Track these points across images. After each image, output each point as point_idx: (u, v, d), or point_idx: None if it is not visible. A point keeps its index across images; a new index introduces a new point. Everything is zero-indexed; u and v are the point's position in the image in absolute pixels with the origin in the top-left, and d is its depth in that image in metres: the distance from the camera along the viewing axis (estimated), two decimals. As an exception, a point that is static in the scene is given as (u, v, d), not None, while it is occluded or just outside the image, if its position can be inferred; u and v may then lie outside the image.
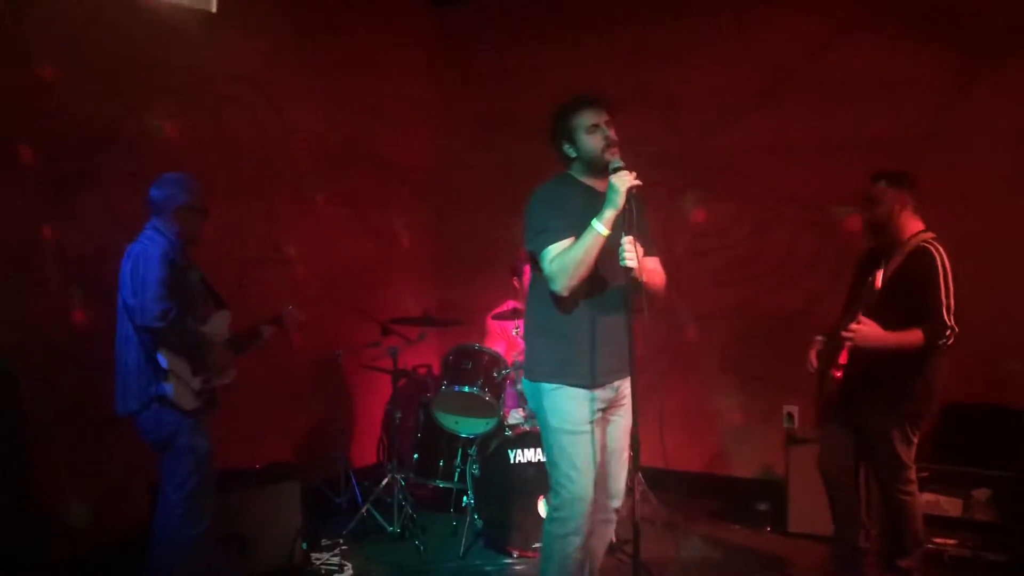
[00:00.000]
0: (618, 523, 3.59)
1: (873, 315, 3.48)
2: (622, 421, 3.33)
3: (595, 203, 3.06)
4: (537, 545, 4.24)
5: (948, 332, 3.40)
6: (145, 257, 3.30)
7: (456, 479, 5.04)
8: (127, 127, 4.32)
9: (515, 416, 4.94)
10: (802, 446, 4.65)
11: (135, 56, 4.35)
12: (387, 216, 6.24)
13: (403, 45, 6.42)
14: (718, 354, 5.62)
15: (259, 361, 4.37)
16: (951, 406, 4.57)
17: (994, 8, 4.78)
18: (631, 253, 2.98)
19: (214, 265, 4.05)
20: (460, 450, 5.05)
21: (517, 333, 4.91)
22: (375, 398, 5.75)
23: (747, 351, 5.51)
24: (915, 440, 3.64)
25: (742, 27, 5.50)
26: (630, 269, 2.99)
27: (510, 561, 4.46)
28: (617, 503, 3.40)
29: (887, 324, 3.45)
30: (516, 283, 5.27)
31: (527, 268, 3.46)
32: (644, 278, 3.08)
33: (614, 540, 4.26)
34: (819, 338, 3.90)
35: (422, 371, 5.79)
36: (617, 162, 3.06)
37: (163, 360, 3.31)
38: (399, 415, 5.05)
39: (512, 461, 4.53)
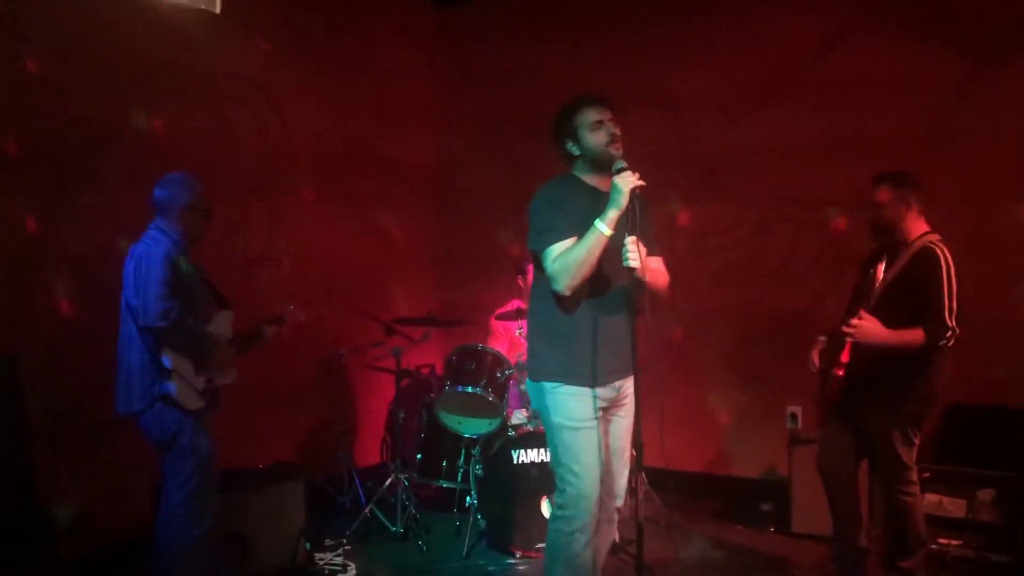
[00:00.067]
0: (621, 523, 3.59)
1: (876, 314, 3.49)
2: (624, 421, 3.33)
3: (598, 203, 3.06)
4: (540, 545, 4.25)
5: (949, 333, 3.40)
6: (148, 257, 3.30)
7: (459, 479, 5.04)
8: (129, 127, 4.32)
9: (518, 416, 4.94)
10: (805, 446, 4.65)
11: (138, 56, 4.36)
12: (389, 216, 6.24)
13: (405, 46, 6.43)
14: (721, 354, 5.62)
15: (262, 361, 4.39)
16: (956, 407, 4.58)
17: (995, 8, 4.78)
18: (634, 253, 2.98)
19: (217, 265, 4.06)
20: (463, 450, 5.06)
21: (520, 334, 4.91)
22: (378, 398, 5.76)
23: (750, 351, 5.51)
24: (916, 441, 3.64)
25: (743, 28, 5.50)
26: (633, 269, 2.99)
27: (513, 561, 4.46)
28: (619, 502, 3.40)
29: (890, 323, 3.46)
30: (520, 282, 5.27)
31: (531, 267, 3.46)
32: (647, 278, 3.08)
33: (617, 540, 4.25)
34: (822, 338, 3.91)
35: (425, 371, 5.79)
36: (620, 163, 3.06)
37: (167, 360, 3.32)
38: (402, 415, 5.05)
39: (515, 461, 4.53)
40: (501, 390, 4.87)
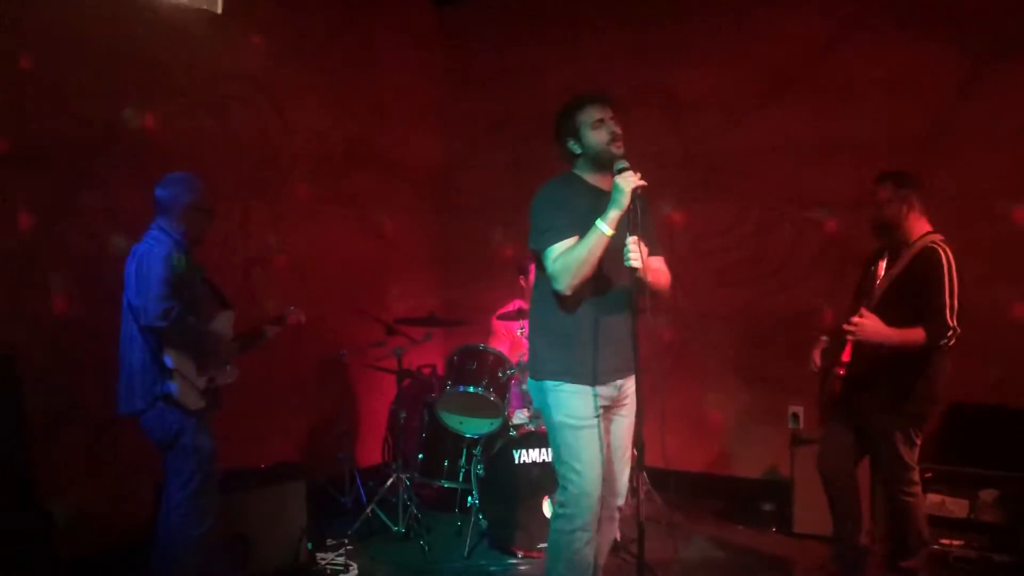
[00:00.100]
0: (622, 522, 3.59)
1: (877, 313, 3.49)
2: (625, 420, 3.33)
3: (599, 202, 3.06)
4: (542, 545, 4.25)
5: (950, 333, 3.39)
6: (149, 257, 3.30)
7: (461, 479, 5.04)
8: (130, 127, 4.33)
9: (520, 416, 4.94)
10: (807, 447, 4.64)
11: (139, 56, 4.36)
12: (391, 216, 6.24)
13: (406, 45, 6.43)
14: (722, 354, 5.62)
15: (264, 361, 4.38)
16: (958, 407, 4.57)
17: (997, 8, 4.78)
18: (635, 254, 2.98)
19: (218, 265, 4.06)
20: (465, 450, 5.05)
21: (522, 333, 4.91)
22: (380, 398, 5.76)
23: (752, 351, 5.51)
24: (918, 441, 3.64)
25: (744, 27, 5.50)
26: (634, 269, 2.99)
27: (515, 561, 4.46)
28: (620, 501, 3.41)
29: (891, 323, 3.45)
30: (522, 282, 5.27)
31: (533, 267, 3.46)
32: (649, 278, 3.08)
33: (618, 539, 4.25)
34: (824, 337, 3.90)
35: (427, 371, 5.79)
36: (622, 163, 3.06)
37: (168, 359, 3.32)
38: (404, 415, 5.05)
39: (517, 461, 4.53)
40: (503, 390, 4.87)
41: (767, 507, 5.14)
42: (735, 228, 5.56)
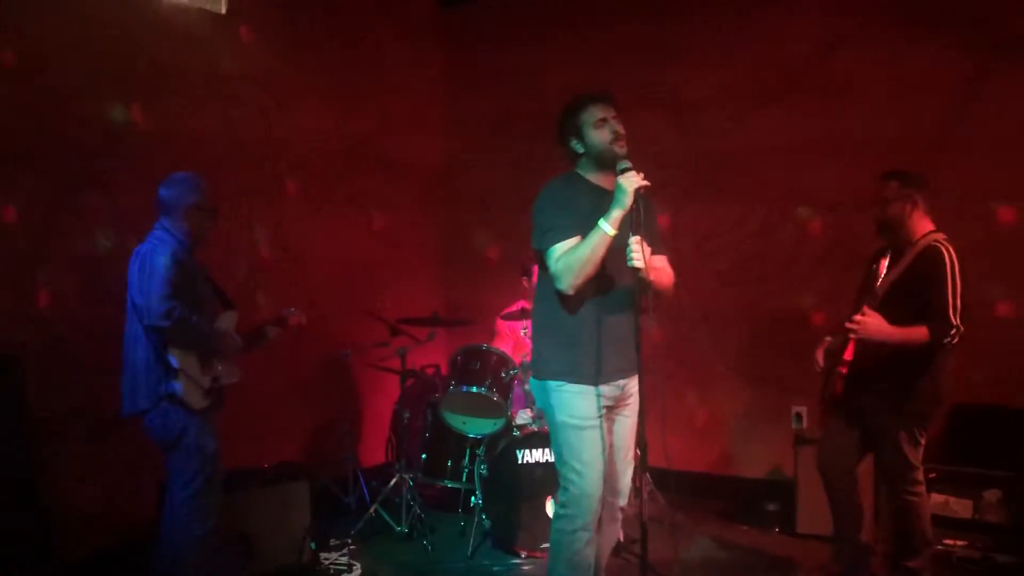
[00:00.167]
0: (625, 522, 3.59)
1: (881, 311, 3.48)
2: (628, 420, 3.33)
3: (602, 202, 3.06)
4: (545, 545, 4.24)
5: (953, 331, 3.39)
6: (152, 257, 3.32)
7: (464, 479, 5.04)
8: (137, 128, 4.34)
9: (523, 416, 4.94)
10: (811, 447, 4.62)
11: (143, 56, 4.37)
12: (395, 216, 6.25)
13: (409, 45, 6.43)
14: (726, 354, 5.61)
15: (267, 361, 4.39)
16: (962, 407, 4.56)
17: (1004, 7, 4.76)
18: (638, 253, 2.98)
19: (221, 265, 4.06)
20: (468, 450, 5.05)
21: (525, 334, 4.91)
22: (383, 398, 5.77)
23: (755, 351, 5.50)
24: (922, 441, 3.63)
25: (748, 27, 5.49)
26: (637, 269, 2.99)
27: (518, 561, 4.46)
28: (622, 501, 3.41)
29: (894, 321, 3.45)
30: (525, 283, 5.27)
31: (536, 268, 3.46)
32: (651, 277, 3.08)
33: (621, 539, 4.26)
34: (827, 337, 3.89)
35: (430, 371, 5.80)
36: (625, 163, 3.06)
37: (173, 359, 3.33)
38: (407, 415, 5.05)
39: (520, 461, 4.53)
40: (506, 390, 4.87)
41: (770, 507, 5.13)
42: (738, 228, 5.55)
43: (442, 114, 6.76)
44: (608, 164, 3.16)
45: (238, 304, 3.81)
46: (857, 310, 3.57)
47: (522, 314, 5.10)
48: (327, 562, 4.40)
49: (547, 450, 4.49)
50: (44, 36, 3.94)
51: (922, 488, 3.67)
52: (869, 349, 3.56)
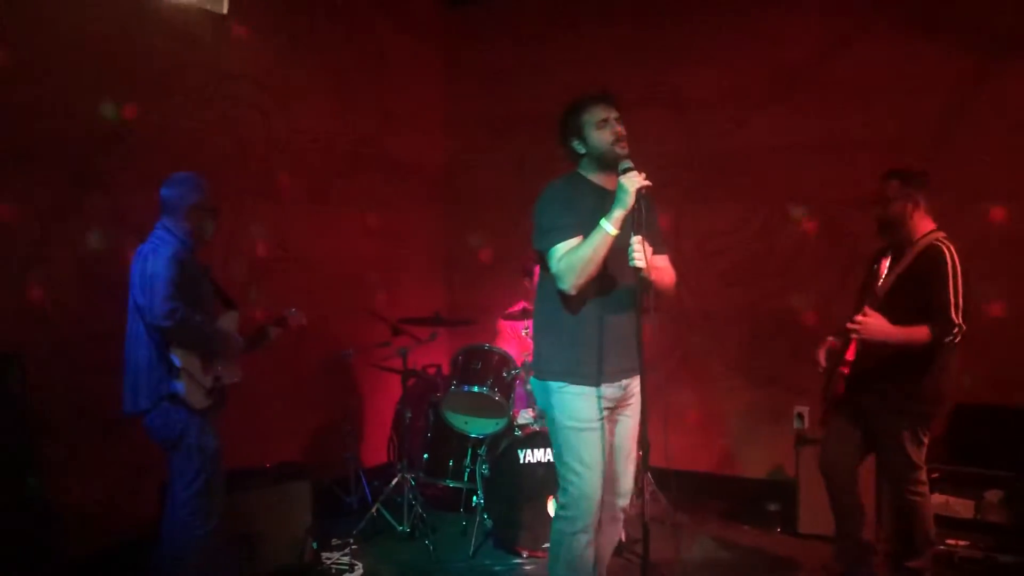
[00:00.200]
0: (627, 522, 3.59)
1: (882, 311, 3.48)
2: (630, 420, 3.33)
3: (604, 202, 3.06)
4: (547, 545, 4.22)
5: (955, 330, 3.39)
6: (155, 257, 3.31)
7: (466, 479, 5.04)
8: (139, 127, 4.34)
9: (525, 416, 4.94)
10: (813, 447, 4.63)
11: (146, 57, 4.37)
12: (398, 216, 6.25)
13: (412, 45, 6.43)
14: (727, 354, 5.61)
15: (269, 361, 4.39)
16: (964, 407, 4.55)
17: (1006, 7, 4.76)
18: (640, 253, 2.98)
19: (223, 265, 4.06)
20: (470, 450, 5.06)
21: (527, 333, 4.91)
22: (385, 398, 5.77)
23: (757, 351, 5.50)
24: (925, 440, 3.63)
25: (751, 27, 5.49)
26: (639, 269, 2.99)
27: (520, 561, 4.46)
28: (624, 502, 3.40)
29: (896, 321, 3.44)
30: (527, 284, 5.27)
31: (537, 269, 3.46)
32: (653, 277, 3.08)
33: (622, 539, 4.26)
34: (829, 337, 3.89)
35: (432, 371, 5.80)
36: (627, 163, 3.06)
37: (176, 358, 3.33)
38: (409, 415, 5.05)
39: (522, 461, 4.53)
40: (508, 390, 4.87)
41: (772, 507, 5.13)
42: (740, 228, 5.55)
43: (444, 114, 6.76)
44: (610, 165, 3.16)
45: (239, 304, 3.81)
46: (858, 310, 3.57)
47: (523, 314, 5.10)
48: (329, 562, 4.40)
49: (549, 450, 4.49)
50: (45, 36, 3.93)
51: (925, 488, 3.66)
52: (871, 349, 3.56)
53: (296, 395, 5.30)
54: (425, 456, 5.15)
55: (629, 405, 3.32)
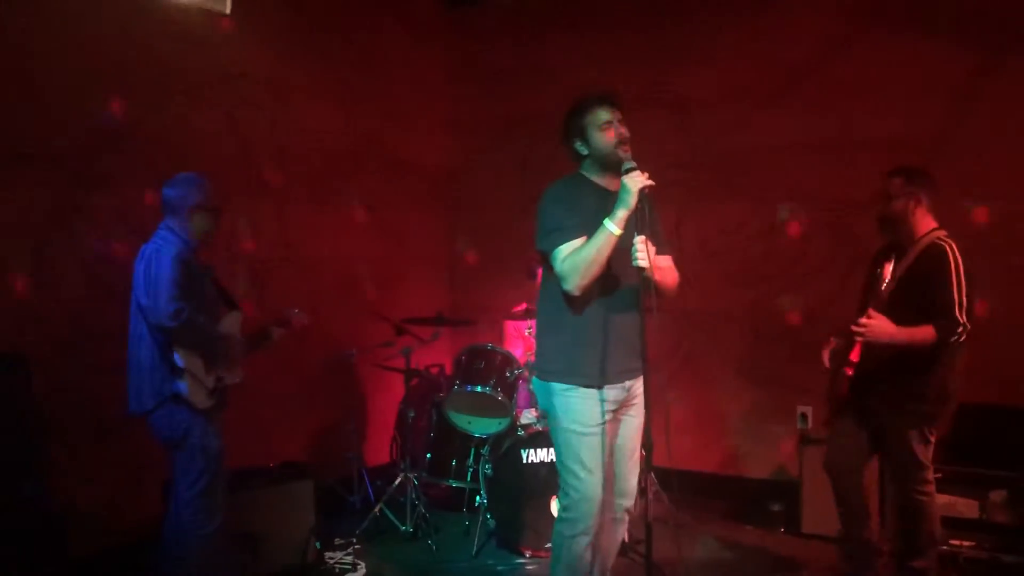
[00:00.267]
0: (630, 523, 3.58)
1: (886, 312, 3.47)
2: (634, 421, 3.32)
3: (607, 202, 3.06)
4: (549, 545, 4.24)
5: (960, 329, 3.37)
6: (158, 257, 3.32)
7: (469, 479, 5.04)
8: (141, 127, 4.34)
9: (528, 416, 4.95)
10: (816, 446, 4.62)
11: (148, 56, 4.38)
12: (401, 216, 6.25)
13: (415, 45, 6.43)
14: (731, 354, 5.60)
15: (273, 361, 4.39)
16: (968, 407, 4.52)
17: (1009, 6, 4.75)
18: (643, 253, 2.98)
19: (226, 265, 4.06)
20: (473, 450, 5.06)
21: (530, 333, 4.91)
22: (388, 397, 5.77)
23: (760, 351, 5.49)
24: (932, 439, 3.62)
25: (753, 27, 5.48)
26: (642, 269, 2.99)
27: (522, 561, 4.46)
28: (628, 502, 3.40)
29: (900, 321, 3.43)
30: (530, 284, 5.27)
31: (540, 269, 3.46)
32: (656, 277, 3.08)
33: (626, 540, 4.26)
34: (833, 339, 3.88)
35: (435, 371, 5.80)
36: (630, 163, 3.06)
37: (179, 359, 3.33)
38: (412, 414, 5.06)
39: (525, 461, 4.53)
40: (511, 390, 4.87)
41: (775, 507, 5.12)
42: (743, 228, 5.55)
43: (447, 114, 6.76)
44: (612, 166, 3.16)
45: (242, 304, 3.81)
46: (861, 312, 3.56)
47: (526, 314, 5.10)
48: (332, 561, 4.40)
49: (551, 450, 4.47)
50: (47, 35, 3.94)
51: (932, 488, 3.65)
52: (875, 350, 3.55)
53: (299, 395, 5.30)
54: (428, 456, 5.16)
55: (633, 406, 3.31)
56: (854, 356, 3.65)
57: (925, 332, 3.40)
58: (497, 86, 6.53)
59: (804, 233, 5.35)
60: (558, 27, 6.22)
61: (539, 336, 3.40)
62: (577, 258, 3.04)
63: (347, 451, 5.27)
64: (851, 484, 3.81)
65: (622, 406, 3.28)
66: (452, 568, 4.43)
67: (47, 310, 3.95)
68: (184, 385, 3.35)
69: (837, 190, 5.16)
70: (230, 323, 3.65)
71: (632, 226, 3.01)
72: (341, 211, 5.71)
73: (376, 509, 4.84)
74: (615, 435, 3.29)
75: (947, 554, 4.16)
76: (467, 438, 5.05)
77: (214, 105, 4.76)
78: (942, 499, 4.28)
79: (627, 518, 3.47)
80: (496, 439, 4.87)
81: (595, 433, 3.16)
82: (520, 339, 5.39)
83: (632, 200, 2.97)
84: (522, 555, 4.49)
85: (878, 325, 3.44)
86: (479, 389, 4.79)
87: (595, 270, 3.04)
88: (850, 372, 3.67)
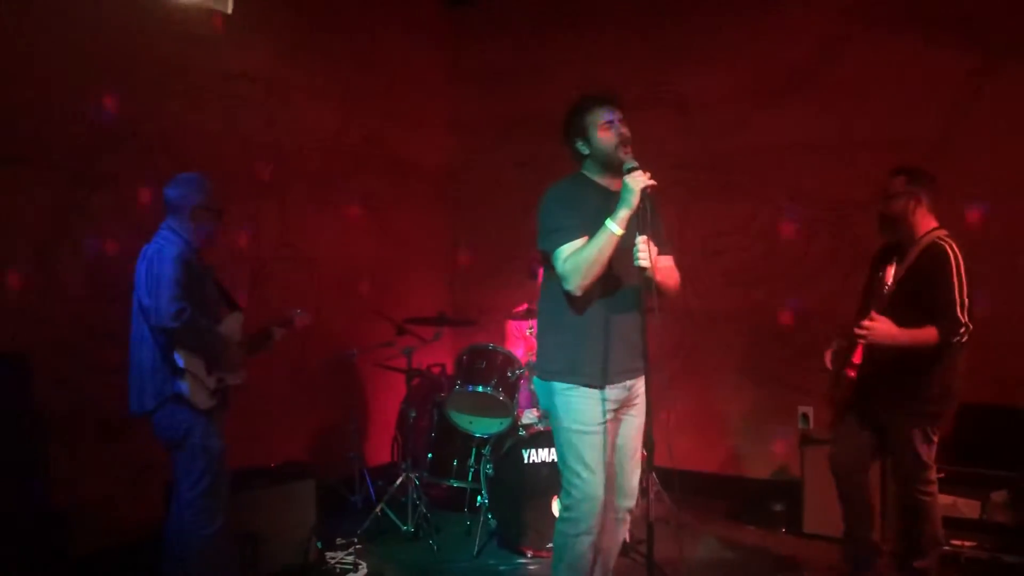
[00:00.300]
0: (632, 523, 3.58)
1: (888, 313, 3.46)
2: (635, 420, 3.32)
3: (609, 203, 3.06)
4: (551, 545, 4.23)
5: (963, 329, 3.37)
6: (160, 257, 3.31)
7: (470, 479, 5.04)
8: (143, 127, 4.35)
9: (529, 416, 4.94)
10: (817, 447, 4.62)
11: (151, 57, 4.38)
12: (402, 216, 6.25)
13: (416, 45, 6.43)
14: (732, 354, 5.60)
15: (274, 360, 4.40)
16: (969, 407, 4.52)
17: (1011, 7, 4.74)
18: (645, 253, 2.97)
19: (228, 265, 4.06)
20: (474, 450, 5.06)
21: (531, 333, 4.91)
22: (390, 397, 5.77)
23: (761, 351, 5.49)
24: (935, 439, 3.61)
25: (754, 27, 5.48)
26: (644, 269, 2.99)
27: (524, 561, 4.46)
28: (630, 502, 3.39)
29: (902, 322, 3.43)
30: (532, 284, 5.27)
31: (541, 269, 3.46)
32: (658, 277, 3.08)
33: (628, 540, 4.26)
34: (836, 340, 3.87)
35: (436, 371, 5.80)
36: (632, 162, 3.06)
37: (180, 359, 3.33)
38: (413, 414, 5.06)
39: (526, 461, 4.53)
40: (512, 390, 4.87)
41: (777, 507, 5.12)
42: (745, 228, 5.55)
43: (448, 114, 6.77)
44: (613, 166, 3.16)
45: (245, 304, 3.81)
46: (863, 313, 3.55)
47: (528, 314, 5.10)
48: (333, 561, 4.40)
49: (553, 450, 4.48)
50: (48, 35, 3.94)
51: (934, 488, 3.65)
52: (878, 351, 3.54)
53: (301, 395, 5.30)
54: (429, 456, 5.16)
55: (634, 405, 3.31)
56: (856, 358, 3.64)
57: (927, 333, 3.40)
58: (498, 86, 6.53)
59: (805, 233, 5.35)
60: (559, 27, 6.22)
61: (540, 336, 3.40)
62: (579, 258, 3.04)
63: (348, 451, 5.28)
64: (857, 484, 3.81)
65: (623, 406, 3.28)
66: (453, 568, 4.43)
67: (48, 310, 3.95)
68: (185, 386, 3.35)
69: (838, 190, 5.16)
70: (232, 324, 3.65)
71: (634, 226, 3.00)
72: (342, 211, 5.71)
73: (377, 509, 4.84)
74: (616, 435, 3.29)
75: (948, 554, 4.16)
76: (468, 438, 5.05)
77: (216, 105, 4.76)
78: (943, 499, 4.28)
79: (628, 518, 3.47)
80: (497, 439, 4.87)
81: (597, 432, 3.16)
82: (521, 339, 5.39)
83: (634, 200, 2.97)
84: (523, 555, 4.49)
85: (881, 328, 3.44)
86: (480, 389, 4.79)
87: (597, 270, 3.03)
88: (853, 374, 3.67)
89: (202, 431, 3.42)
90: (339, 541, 4.63)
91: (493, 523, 4.66)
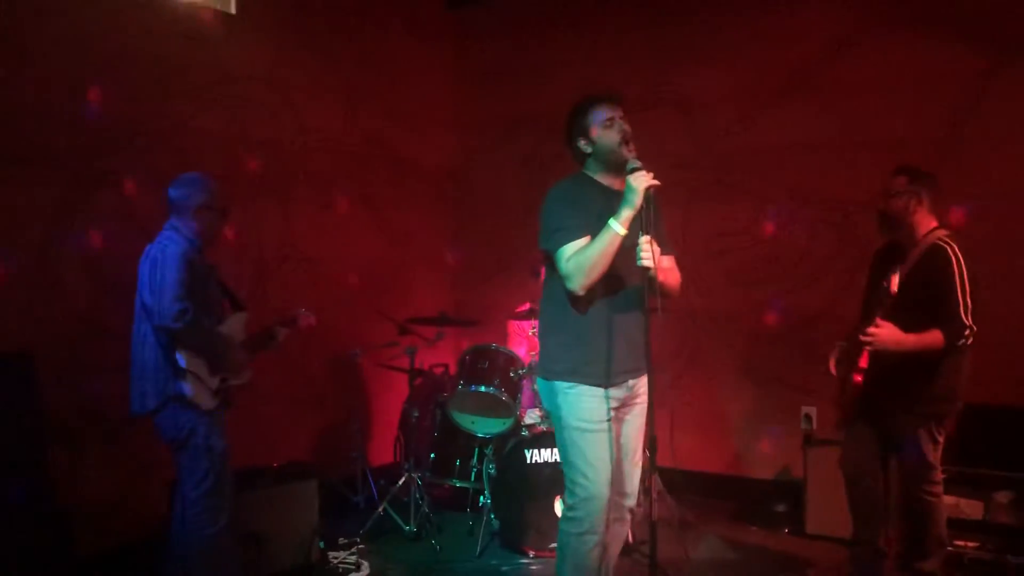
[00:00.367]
0: (634, 523, 3.58)
1: (891, 317, 3.45)
2: (637, 420, 3.32)
3: (611, 202, 3.06)
4: (553, 545, 4.22)
5: (967, 332, 3.36)
6: (163, 257, 3.31)
7: (473, 479, 5.04)
8: (146, 127, 4.35)
9: (532, 416, 4.94)
10: (820, 447, 4.62)
11: (154, 57, 4.38)
12: (404, 216, 6.26)
13: (420, 45, 6.44)
14: (735, 354, 5.60)
15: (277, 360, 4.40)
16: (972, 408, 4.50)
17: (1013, 6, 4.73)
18: (648, 253, 2.97)
19: (231, 265, 4.06)
20: (477, 450, 5.06)
21: (533, 333, 4.91)
22: (392, 397, 5.77)
23: (764, 351, 5.48)
24: (941, 440, 3.61)
25: (756, 26, 5.47)
26: (647, 269, 2.98)
27: (526, 561, 4.46)
28: (631, 502, 3.39)
29: (905, 325, 3.42)
30: (535, 283, 5.27)
31: (544, 269, 3.46)
32: (660, 277, 3.08)
33: (630, 540, 4.25)
34: (839, 344, 3.86)
35: (439, 371, 5.80)
36: (635, 162, 3.05)
37: (182, 359, 3.33)
38: (416, 414, 5.06)
39: (529, 461, 4.53)
40: (515, 390, 4.87)
41: (780, 508, 5.12)
42: (748, 228, 5.54)
43: (451, 113, 6.77)
44: (616, 165, 3.15)
45: (247, 304, 3.81)
46: (866, 317, 3.54)
47: (530, 314, 5.10)
48: (335, 561, 4.40)
49: (555, 450, 4.48)
50: (50, 35, 3.95)
51: (940, 489, 3.64)
52: (883, 355, 3.52)
53: (303, 395, 5.31)
54: (432, 456, 5.16)
55: (636, 405, 3.31)
56: (863, 363, 3.63)
57: (933, 337, 3.39)
58: (499, 85, 6.53)
59: (807, 233, 5.34)
60: (560, 27, 6.22)
61: (543, 336, 3.39)
62: (581, 258, 3.03)
63: (351, 451, 5.28)
64: (868, 487, 3.79)
65: (625, 404, 3.27)
66: (456, 568, 4.43)
67: (51, 310, 3.95)
68: (188, 386, 3.34)
69: (840, 190, 5.15)
70: (235, 324, 3.65)
71: (636, 226, 3.00)
72: (346, 210, 5.71)
73: (380, 509, 4.84)
74: (618, 434, 3.28)
75: (952, 555, 4.15)
76: (471, 438, 5.05)
77: (218, 104, 4.77)
78: (947, 500, 4.27)
79: (630, 518, 3.46)
80: (500, 439, 4.87)
81: (600, 430, 3.15)
82: (524, 339, 5.39)
83: (637, 200, 2.96)
84: (526, 555, 4.49)
85: (886, 334, 3.42)
86: (483, 389, 4.79)
87: (599, 270, 3.03)
88: (859, 379, 3.65)
89: (205, 431, 3.41)
90: (342, 541, 4.63)
91: (496, 523, 4.65)
